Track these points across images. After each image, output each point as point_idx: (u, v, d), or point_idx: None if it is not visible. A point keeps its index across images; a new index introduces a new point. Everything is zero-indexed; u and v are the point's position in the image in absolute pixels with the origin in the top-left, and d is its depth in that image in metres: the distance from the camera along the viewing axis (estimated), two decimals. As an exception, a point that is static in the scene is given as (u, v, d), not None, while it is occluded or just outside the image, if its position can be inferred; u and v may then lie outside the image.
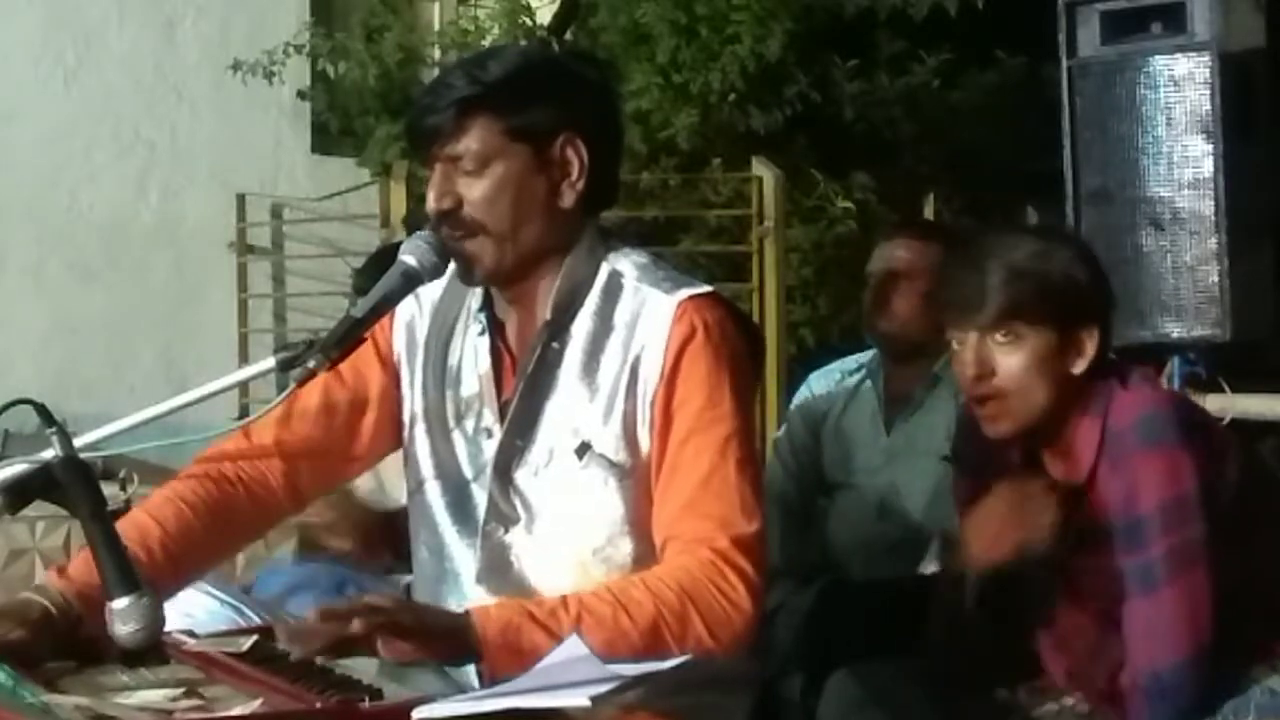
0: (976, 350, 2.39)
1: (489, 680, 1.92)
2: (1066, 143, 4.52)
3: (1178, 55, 4.37)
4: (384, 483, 3.65)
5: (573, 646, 1.84)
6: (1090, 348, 2.40)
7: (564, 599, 1.96)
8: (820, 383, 3.70)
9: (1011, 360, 2.38)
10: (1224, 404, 4.48)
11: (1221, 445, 2.42)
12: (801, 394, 3.73)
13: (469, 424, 2.17)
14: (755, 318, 5.86)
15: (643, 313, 2.09)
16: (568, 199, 2.12)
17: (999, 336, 2.38)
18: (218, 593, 3.08)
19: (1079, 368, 2.39)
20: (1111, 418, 2.36)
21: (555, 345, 2.12)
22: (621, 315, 2.11)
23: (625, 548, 2.08)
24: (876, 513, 3.48)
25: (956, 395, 3.39)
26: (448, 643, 1.91)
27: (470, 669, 2.12)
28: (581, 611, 1.94)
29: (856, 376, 3.63)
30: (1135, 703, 2.34)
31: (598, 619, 1.93)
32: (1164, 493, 2.30)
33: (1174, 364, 4.50)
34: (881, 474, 3.49)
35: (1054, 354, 2.38)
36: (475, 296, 2.20)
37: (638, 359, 2.08)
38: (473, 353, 2.19)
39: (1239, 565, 2.35)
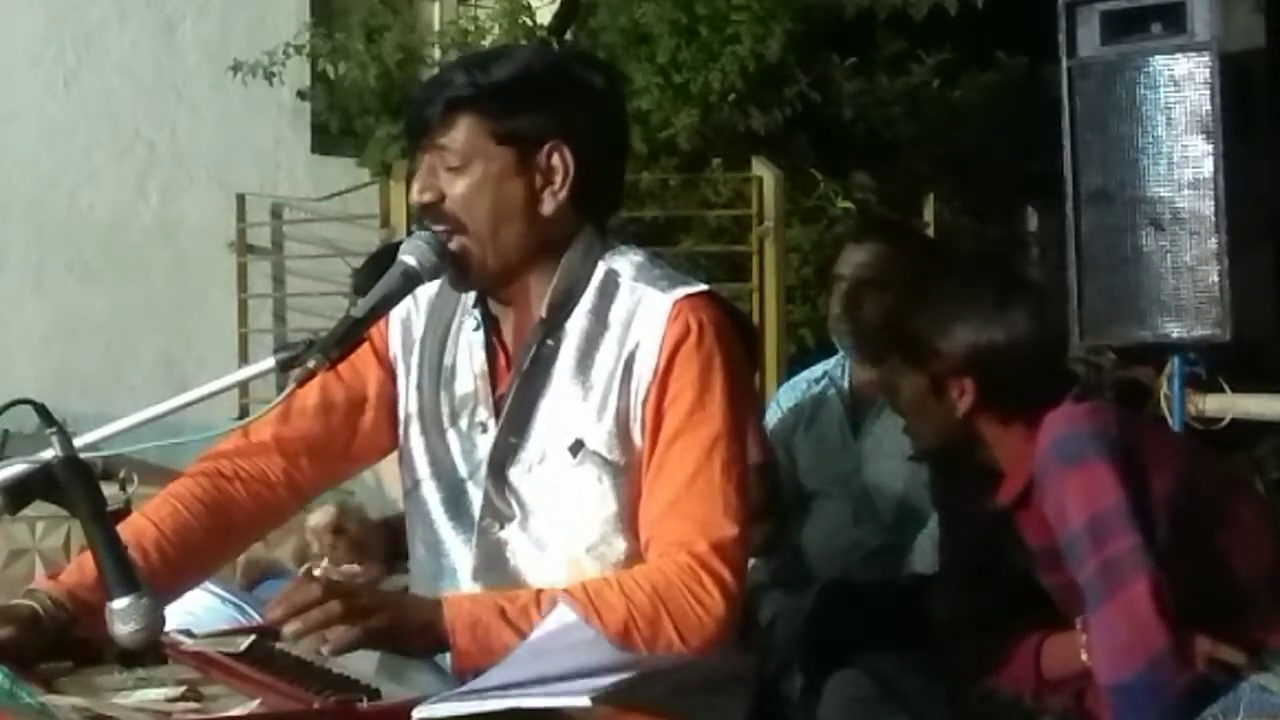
0: None
1: (458, 673, 1.92)
2: (1066, 143, 4.52)
3: (1178, 55, 4.37)
4: (383, 482, 3.66)
5: (561, 615, 1.87)
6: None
7: (538, 595, 1.97)
8: (788, 396, 3.70)
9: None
10: (1224, 404, 4.48)
11: (1161, 452, 2.39)
12: (772, 411, 3.71)
13: (464, 420, 2.17)
14: (755, 318, 5.87)
15: (638, 311, 2.09)
16: (548, 206, 2.11)
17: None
18: (219, 590, 3.08)
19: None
20: (1039, 438, 2.36)
21: (550, 342, 2.11)
22: (617, 313, 2.10)
23: (619, 545, 2.08)
24: (853, 519, 3.48)
25: None
26: (421, 638, 1.94)
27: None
28: None
29: (821, 385, 3.64)
30: (1109, 713, 2.33)
31: None
32: (1088, 509, 2.28)
33: (1174, 364, 4.50)
34: (854, 480, 3.50)
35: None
36: (470, 293, 2.20)
37: (632, 356, 2.07)
38: (467, 348, 2.18)
39: (1219, 564, 2.35)
